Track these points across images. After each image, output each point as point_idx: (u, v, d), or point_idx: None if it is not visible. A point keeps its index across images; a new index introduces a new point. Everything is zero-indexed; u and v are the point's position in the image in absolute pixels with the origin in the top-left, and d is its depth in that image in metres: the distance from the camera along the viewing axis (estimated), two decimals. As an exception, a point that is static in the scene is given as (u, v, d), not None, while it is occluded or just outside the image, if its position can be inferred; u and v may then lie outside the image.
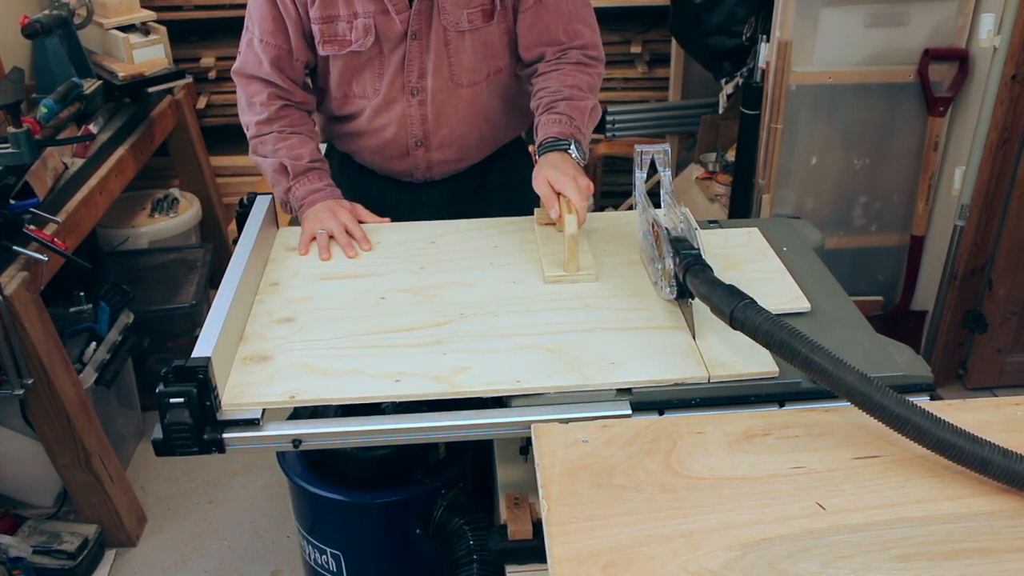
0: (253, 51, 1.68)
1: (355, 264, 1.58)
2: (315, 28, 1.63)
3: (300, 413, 1.39)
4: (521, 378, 1.23)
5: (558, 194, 1.50)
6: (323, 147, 1.88)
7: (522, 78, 1.78)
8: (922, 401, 1.14)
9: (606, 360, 1.27)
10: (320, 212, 1.65)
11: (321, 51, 1.65)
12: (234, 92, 1.77)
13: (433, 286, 1.49)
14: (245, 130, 1.74)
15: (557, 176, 1.51)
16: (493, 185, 1.88)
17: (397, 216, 1.84)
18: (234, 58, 1.73)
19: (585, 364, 1.26)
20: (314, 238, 1.63)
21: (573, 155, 1.57)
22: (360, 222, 1.67)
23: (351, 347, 1.33)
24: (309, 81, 1.79)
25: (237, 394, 1.23)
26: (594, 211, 1.75)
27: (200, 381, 1.17)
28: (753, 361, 1.25)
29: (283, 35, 1.65)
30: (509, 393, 1.23)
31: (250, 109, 1.71)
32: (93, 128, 2.58)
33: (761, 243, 1.60)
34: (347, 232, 1.63)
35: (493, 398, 1.27)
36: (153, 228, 3.05)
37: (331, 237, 1.62)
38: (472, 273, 1.52)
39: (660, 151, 1.50)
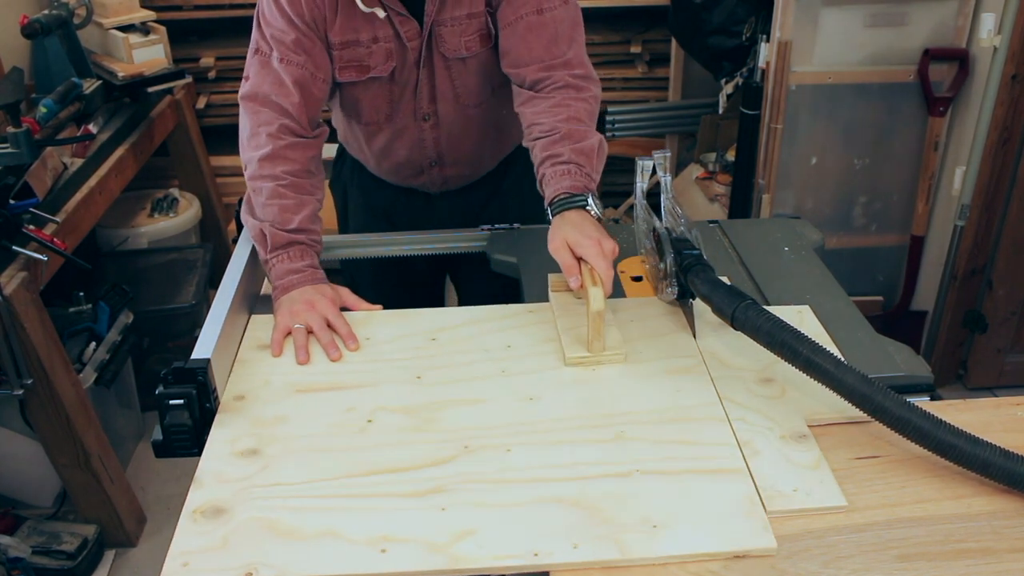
0: (271, 71, 1.48)
1: (338, 370, 1.31)
2: (333, 54, 1.52)
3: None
4: (540, 549, 1.00)
5: (579, 259, 1.34)
6: (335, 147, 1.87)
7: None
8: (922, 401, 1.14)
9: (647, 522, 1.03)
10: (295, 303, 1.38)
11: (339, 78, 1.55)
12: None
13: (432, 405, 1.23)
14: (244, 170, 1.51)
15: (579, 239, 1.33)
16: (507, 189, 1.85)
17: (410, 224, 1.80)
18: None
19: (621, 528, 1.02)
20: (290, 333, 1.36)
21: (591, 211, 1.39)
22: (344, 308, 1.42)
23: (327, 495, 1.08)
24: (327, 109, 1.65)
25: (179, 569, 1.00)
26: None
27: (200, 383, 1.17)
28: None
29: (305, 53, 1.48)
30: (523, 571, 1.02)
31: (252, 141, 1.49)
32: (93, 128, 2.57)
33: (815, 327, 1.37)
34: (329, 326, 1.37)
35: None
36: (153, 228, 3.04)
37: (310, 332, 1.36)
38: (480, 385, 1.26)
39: (660, 157, 1.44)
